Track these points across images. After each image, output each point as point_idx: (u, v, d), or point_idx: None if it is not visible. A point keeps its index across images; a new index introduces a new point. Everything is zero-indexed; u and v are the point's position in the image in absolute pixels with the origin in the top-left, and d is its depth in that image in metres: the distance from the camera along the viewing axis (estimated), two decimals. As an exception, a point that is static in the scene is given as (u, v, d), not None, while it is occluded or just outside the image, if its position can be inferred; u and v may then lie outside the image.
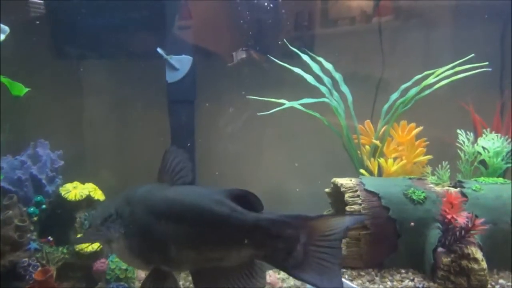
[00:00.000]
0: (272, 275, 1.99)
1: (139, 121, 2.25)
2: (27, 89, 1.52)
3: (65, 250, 1.81)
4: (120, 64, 2.22)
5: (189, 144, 2.01)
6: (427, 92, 1.54)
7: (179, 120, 2.00)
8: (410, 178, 1.47)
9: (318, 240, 0.91)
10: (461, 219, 1.17)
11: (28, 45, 2.13)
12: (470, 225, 1.17)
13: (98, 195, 1.94)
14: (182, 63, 1.99)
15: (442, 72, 1.52)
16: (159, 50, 1.97)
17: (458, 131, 1.59)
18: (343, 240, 1.39)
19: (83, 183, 1.95)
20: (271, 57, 1.81)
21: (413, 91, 1.55)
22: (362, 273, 1.36)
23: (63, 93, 2.24)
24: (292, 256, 0.90)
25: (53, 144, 1.99)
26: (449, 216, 1.18)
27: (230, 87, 2.21)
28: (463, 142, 1.57)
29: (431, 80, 1.49)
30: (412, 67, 2.23)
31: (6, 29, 1.46)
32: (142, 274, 2.07)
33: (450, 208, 1.19)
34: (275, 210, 0.95)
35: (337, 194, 1.54)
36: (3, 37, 1.42)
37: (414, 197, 1.37)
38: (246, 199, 0.94)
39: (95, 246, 1.81)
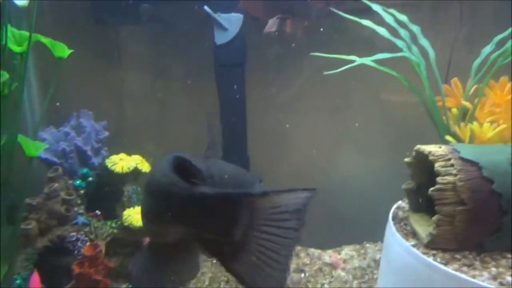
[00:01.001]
0: (332, 255, 1.81)
1: (184, 89, 2.10)
2: (70, 50, 1.38)
3: (113, 225, 1.72)
4: (163, 29, 2.05)
5: (239, 113, 1.83)
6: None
7: (229, 85, 1.82)
8: (514, 145, 1.22)
9: (263, 224, 0.75)
10: None
11: (65, 9, 2.01)
12: None
13: (145, 167, 1.82)
14: (231, 22, 1.79)
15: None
16: (206, 8, 1.78)
17: None
18: (434, 218, 1.18)
19: (130, 155, 1.83)
20: (337, 11, 1.58)
21: (516, 40, 1.28)
22: (458, 256, 1.15)
23: (102, 61, 2.12)
24: (228, 242, 0.75)
25: (95, 115, 1.88)
26: None
27: (281, 51, 2.01)
28: None
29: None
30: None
31: None
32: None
33: None
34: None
35: (420, 165, 1.32)
36: None
37: (525, 167, 1.13)
38: (187, 169, 0.80)
39: (144, 221, 1.70)
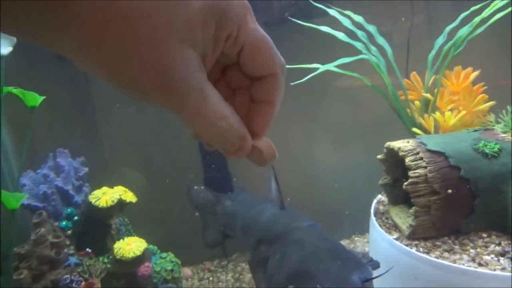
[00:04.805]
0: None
1: (158, 112, 2.10)
2: (41, 97, 1.38)
3: (106, 260, 1.72)
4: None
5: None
6: (481, 29, 1.34)
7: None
8: (475, 130, 1.29)
9: None
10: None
11: (30, 49, 1.98)
12: None
13: (130, 197, 1.82)
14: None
15: (496, 3, 1.31)
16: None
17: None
18: (411, 210, 1.24)
19: (111, 187, 1.83)
20: (291, 19, 1.62)
21: (464, 30, 1.35)
22: (438, 243, 1.21)
23: (67, 95, 2.08)
24: None
25: (70, 151, 1.86)
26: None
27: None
28: (528, 79, 1.38)
29: (488, 12, 1.28)
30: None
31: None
32: (188, 272, 1.98)
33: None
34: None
35: (392, 160, 1.38)
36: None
37: (487, 151, 1.20)
38: None
39: (136, 251, 1.71)
